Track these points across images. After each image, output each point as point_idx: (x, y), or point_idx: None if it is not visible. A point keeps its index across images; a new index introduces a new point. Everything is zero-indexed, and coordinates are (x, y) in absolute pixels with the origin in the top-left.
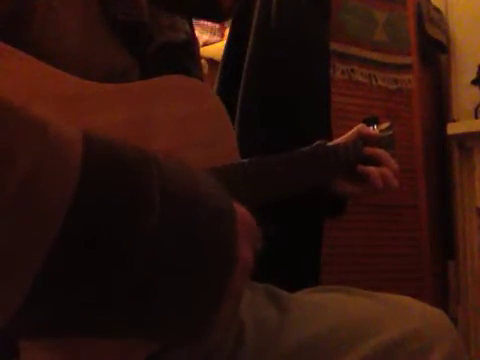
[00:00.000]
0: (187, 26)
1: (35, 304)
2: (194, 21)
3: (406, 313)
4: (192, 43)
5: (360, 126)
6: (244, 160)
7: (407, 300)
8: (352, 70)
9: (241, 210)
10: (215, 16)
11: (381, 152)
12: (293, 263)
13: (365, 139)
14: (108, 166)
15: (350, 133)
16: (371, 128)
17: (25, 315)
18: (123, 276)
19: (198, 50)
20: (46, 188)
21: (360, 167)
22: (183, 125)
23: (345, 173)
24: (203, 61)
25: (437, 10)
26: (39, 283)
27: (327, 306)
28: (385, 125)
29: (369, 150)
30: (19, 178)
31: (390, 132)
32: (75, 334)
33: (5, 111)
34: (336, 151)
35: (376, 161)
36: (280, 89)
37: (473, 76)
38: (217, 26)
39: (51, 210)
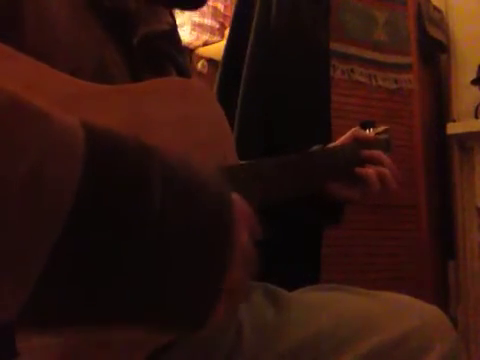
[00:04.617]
0: (169, 17)
1: (48, 287)
2: (194, 22)
3: (405, 312)
4: (175, 33)
5: (354, 129)
6: (242, 162)
7: (406, 299)
8: (352, 70)
9: (237, 199)
10: (190, 4)
11: (378, 154)
12: (293, 263)
13: (360, 142)
14: (110, 152)
15: (345, 137)
16: (367, 131)
17: (40, 299)
18: (128, 256)
19: (180, 39)
20: (54, 174)
21: (358, 169)
22: (181, 127)
23: (342, 177)
24: (203, 61)
25: (437, 10)
26: (51, 265)
27: (326, 305)
28: (381, 128)
29: (366, 152)
30: (28, 166)
31: (386, 135)
32: (88, 319)
33: (12, 102)
34: (334, 155)
35: (374, 163)
36: (280, 89)
37: (473, 76)
38: (217, 26)
39: (60, 195)
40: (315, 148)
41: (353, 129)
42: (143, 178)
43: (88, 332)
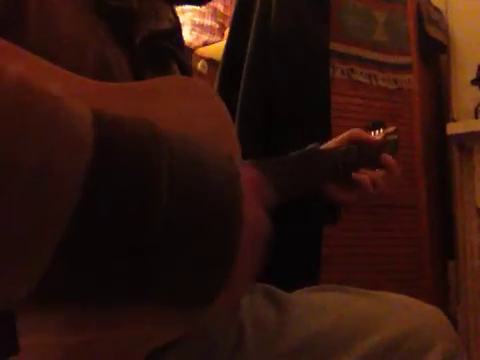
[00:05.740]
0: (170, 14)
1: (60, 273)
2: (194, 22)
3: (405, 312)
4: (177, 30)
5: (351, 131)
6: (245, 162)
7: (406, 299)
8: (352, 70)
9: (249, 175)
10: (197, 0)
11: (393, 163)
12: (293, 263)
13: (358, 145)
14: (119, 141)
15: (341, 137)
16: (377, 132)
17: (48, 284)
18: (137, 243)
19: (182, 37)
20: (61, 166)
21: (353, 175)
22: (184, 125)
23: (338, 179)
24: (203, 61)
25: (437, 10)
26: (60, 254)
27: (326, 305)
28: (391, 129)
29: (386, 158)
30: (36, 156)
31: (395, 136)
32: (98, 299)
33: (22, 86)
34: (330, 156)
35: (384, 167)
36: (280, 89)
37: (473, 76)
38: (217, 26)
39: (67, 185)
40: (311, 147)
41: (350, 131)
42: (151, 166)
43: (97, 321)
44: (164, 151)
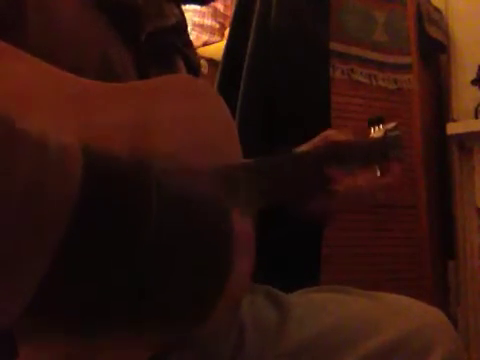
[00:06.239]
0: (175, 9)
1: (48, 291)
2: (194, 22)
3: (405, 313)
4: (182, 25)
5: (327, 132)
6: (245, 161)
7: (406, 300)
8: (352, 70)
9: (237, 218)
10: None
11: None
12: (293, 263)
13: (336, 147)
14: (107, 179)
15: (316, 139)
16: (376, 128)
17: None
18: (122, 273)
19: (187, 30)
20: (47, 199)
21: (334, 180)
22: (188, 126)
23: (317, 186)
24: (203, 61)
25: (437, 10)
26: (46, 285)
27: (327, 306)
28: (391, 125)
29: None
30: (20, 190)
31: (396, 132)
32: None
33: (5, 131)
34: (309, 161)
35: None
36: (280, 89)
37: (473, 76)
38: (217, 26)
39: (53, 219)
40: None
41: (325, 132)
42: (140, 198)
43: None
44: (152, 183)
